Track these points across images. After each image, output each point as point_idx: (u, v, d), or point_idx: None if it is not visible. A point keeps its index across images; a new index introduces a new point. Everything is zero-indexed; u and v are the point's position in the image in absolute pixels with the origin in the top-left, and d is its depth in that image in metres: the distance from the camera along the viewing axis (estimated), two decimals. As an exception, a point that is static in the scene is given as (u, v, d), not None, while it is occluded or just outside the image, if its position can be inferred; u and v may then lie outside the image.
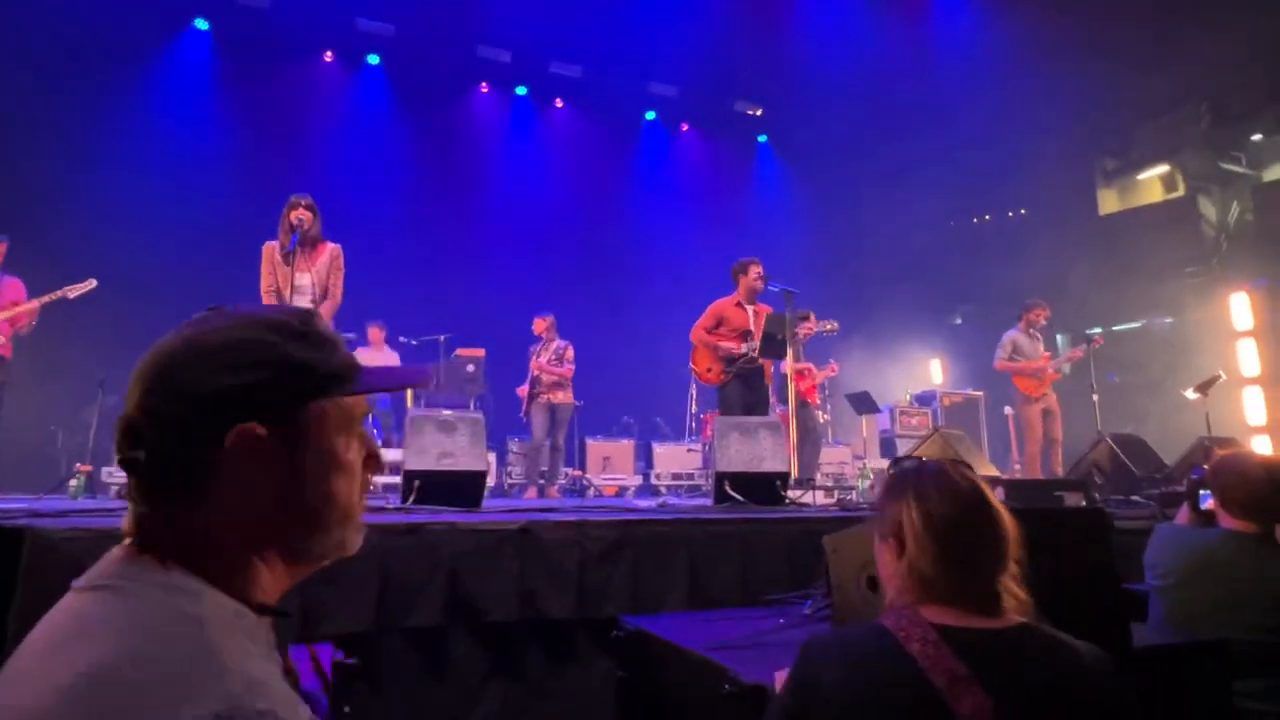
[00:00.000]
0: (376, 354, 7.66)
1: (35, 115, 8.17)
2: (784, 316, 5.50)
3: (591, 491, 7.43)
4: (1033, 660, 1.15)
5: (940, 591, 1.20)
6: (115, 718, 0.57)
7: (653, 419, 9.63)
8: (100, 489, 5.96)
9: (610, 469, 8.21)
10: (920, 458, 1.37)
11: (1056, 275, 9.93)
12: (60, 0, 8.33)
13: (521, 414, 7.21)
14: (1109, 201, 11.80)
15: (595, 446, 8.28)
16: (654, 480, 8.24)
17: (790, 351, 5.59)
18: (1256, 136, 10.50)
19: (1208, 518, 2.30)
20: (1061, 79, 9.68)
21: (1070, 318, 10.01)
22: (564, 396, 7.07)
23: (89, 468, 5.49)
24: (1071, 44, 9.34)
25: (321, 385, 0.76)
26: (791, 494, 4.51)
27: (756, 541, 3.23)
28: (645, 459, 8.53)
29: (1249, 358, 9.26)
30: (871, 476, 5.81)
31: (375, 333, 7.83)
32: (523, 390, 7.15)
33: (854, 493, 5.71)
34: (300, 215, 4.47)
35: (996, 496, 1.28)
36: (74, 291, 5.23)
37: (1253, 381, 9.18)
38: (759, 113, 12.56)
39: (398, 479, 4.17)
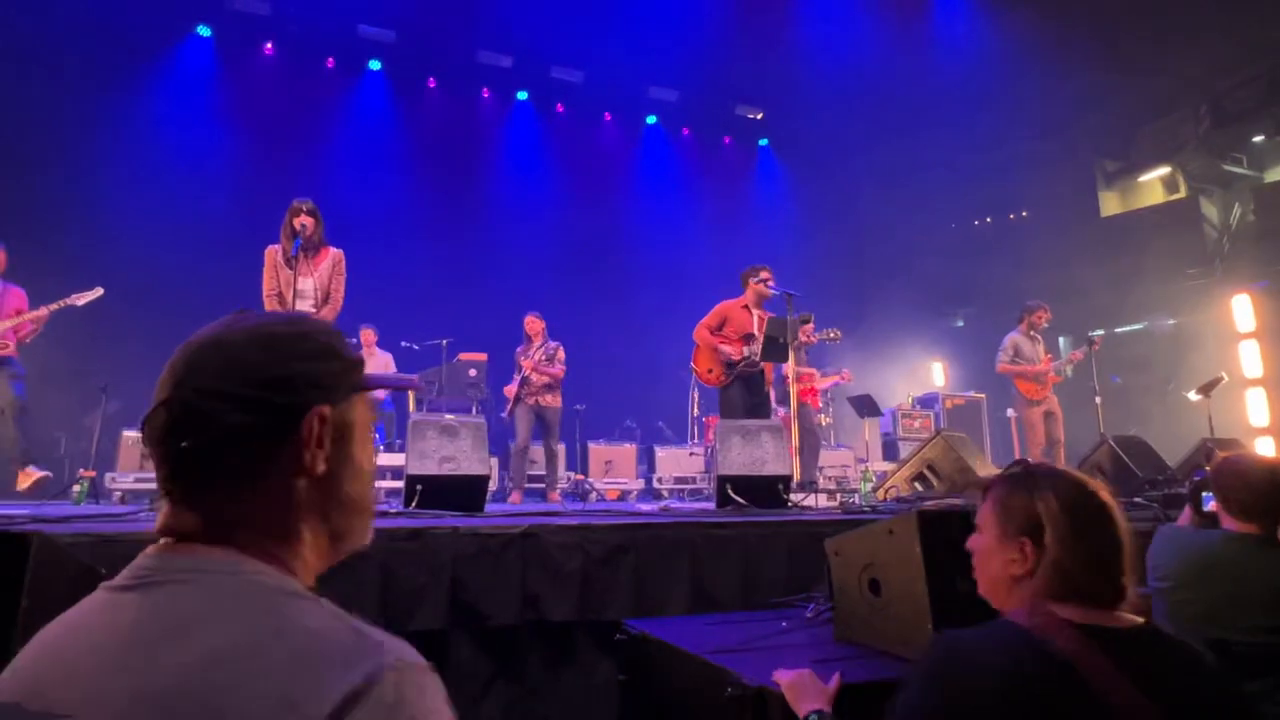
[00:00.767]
0: (368, 357, 7.68)
1: (37, 122, 8.20)
2: (785, 320, 5.51)
3: (594, 495, 7.42)
4: (1168, 659, 1.15)
5: (1079, 588, 1.20)
6: (265, 688, 0.59)
7: (655, 423, 9.63)
8: (103, 494, 5.97)
9: (612, 473, 8.21)
10: (1029, 460, 1.38)
11: (1058, 277, 9.93)
12: (62, 9, 8.38)
13: (504, 413, 7.09)
14: (1110, 203, 11.80)
15: (597, 450, 8.27)
16: (656, 484, 8.24)
17: (792, 355, 5.60)
18: (1258, 138, 10.51)
19: (1210, 519, 2.30)
20: (1062, 81, 9.70)
21: (1072, 320, 10.00)
22: (552, 399, 6.94)
23: (92, 473, 5.50)
24: (1072, 46, 9.36)
25: (367, 381, 0.83)
26: (794, 497, 4.51)
27: (759, 545, 3.23)
28: (647, 462, 8.52)
29: (1251, 359, 9.25)
30: (874, 479, 5.80)
31: (367, 335, 7.86)
32: (510, 390, 7.00)
33: (856, 496, 5.71)
34: (303, 221, 4.48)
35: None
36: (81, 299, 5.22)
37: (1255, 383, 9.17)
38: (760, 117, 12.59)
39: (400, 484, 4.17)
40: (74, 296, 5.20)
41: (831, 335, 6.06)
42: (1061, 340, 10.82)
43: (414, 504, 3.59)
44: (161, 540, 0.72)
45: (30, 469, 4.83)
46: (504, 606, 2.77)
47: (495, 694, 2.79)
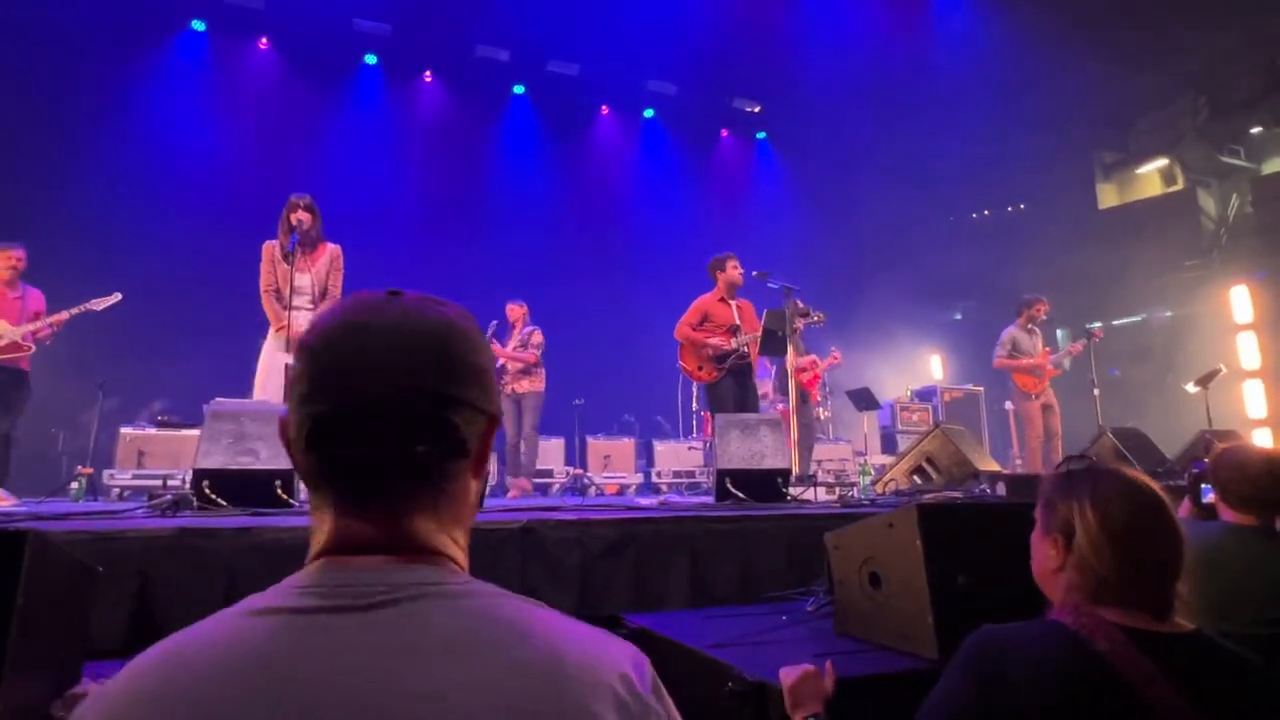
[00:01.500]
0: None
1: (29, 116, 8.16)
2: (784, 313, 5.49)
3: (593, 490, 7.42)
4: (1215, 666, 1.15)
5: (1114, 594, 1.20)
6: (583, 693, 0.59)
7: (654, 417, 9.63)
8: (102, 491, 5.96)
9: (611, 467, 8.21)
10: (1092, 457, 1.38)
11: (1056, 270, 9.94)
12: (55, 6, 8.32)
13: None
14: (1108, 195, 11.80)
15: (596, 445, 8.27)
16: (655, 478, 8.24)
17: (791, 347, 5.58)
18: (1255, 129, 10.50)
19: (1209, 511, 2.30)
20: (1060, 73, 9.68)
21: (1070, 312, 10.02)
22: (529, 384, 6.70)
23: (90, 470, 5.49)
24: (1069, 38, 9.33)
25: None
26: (793, 491, 4.51)
27: (758, 539, 3.23)
28: (646, 457, 8.53)
29: (1249, 351, 9.27)
30: (873, 472, 5.81)
31: None
32: None
33: (855, 489, 5.71)
34: (300, 216, 4.48)
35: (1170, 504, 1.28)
36: (100, 305, 5.24)
37: (1253, 375, 9.19)
38: (758, 110, 12.56)
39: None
40: (93, 301, 5.22)
41: (816, 318, 6.04)
42: (1059, 333, 10.83)
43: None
44: (337, 556, 0.66)
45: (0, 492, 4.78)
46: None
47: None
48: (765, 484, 4.27)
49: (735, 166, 12.99)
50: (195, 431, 5.68)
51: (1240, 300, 9.44)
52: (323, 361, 0.67)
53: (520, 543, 2.84)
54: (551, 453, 8.01)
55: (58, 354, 5.38)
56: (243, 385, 4.65)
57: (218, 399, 3.49)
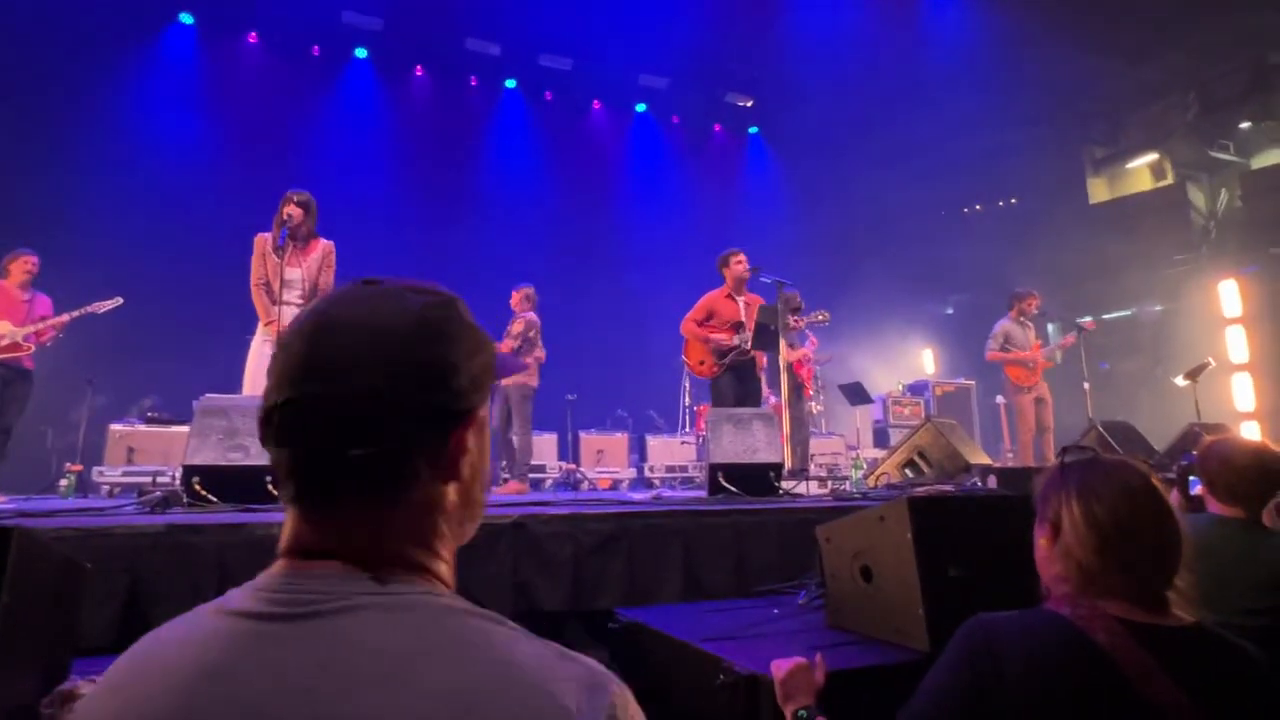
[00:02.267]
0: None
1: (13, 110, 8.07)
2: (775, 308, 5.51)
3: (585, 485, 7.42)
4: (1214, 658, 1.14)
5: (1100, 585, 1.20)
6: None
7: (646, 412, 9.63)
8: (91, 488, 5.93)
9: (604, 462, 8.21)
10: (1093, 449, 1.37)
11: (1047, 264, 9.97)
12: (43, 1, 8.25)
13: None
14: (1099, 190, 11.84)
15: (589, 440, 8.27)
16: (648, 473, 8.25)
17: (784, 342, 5.60)
18: (1244, 124, 10.55)
19: (1197, 503, 2.31)
20: (1050, 67, 9.70)
21: (1061, 306, 10.06)
22: (512, 379, 6.27)
23: (79, 467, 5.47)
24: (1060, 33, 9.35)
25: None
26: (785, 484, 4.52)
27: (750, 533, 3.24)
28: (639, 452, 8.53)
29: (1238, 344, 9.33)
30: (864, 466, 5.83)
31: None
32: None
33: (847, 483, 5.73)
34: (290, 211, 4.47)
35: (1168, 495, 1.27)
36: (101, 308, 5.35)
37: (1241, 368, 9.26)
38: (750, 104, 12.55)
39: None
40: (95, 305, 5.34)
41: (819, 317, 6.05)
42: (1050, 326, 10.88)
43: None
44: (293, 558, 0.63)
45: None
46: (495, 597, 2.76)
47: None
48: (758, 478, 4.28)
49: (727, 161, 12.99)
50: (185, 428, 5.65)
51: (1229, 294, 9.50)
52: (286, 355, 0.65)
53: (512, 537, 2.84)
54: (544, 448, 8.00)
55: (47, 351, 5.35)
56: (233, 381, 4.63)
57: (207, 395, 3.47)
